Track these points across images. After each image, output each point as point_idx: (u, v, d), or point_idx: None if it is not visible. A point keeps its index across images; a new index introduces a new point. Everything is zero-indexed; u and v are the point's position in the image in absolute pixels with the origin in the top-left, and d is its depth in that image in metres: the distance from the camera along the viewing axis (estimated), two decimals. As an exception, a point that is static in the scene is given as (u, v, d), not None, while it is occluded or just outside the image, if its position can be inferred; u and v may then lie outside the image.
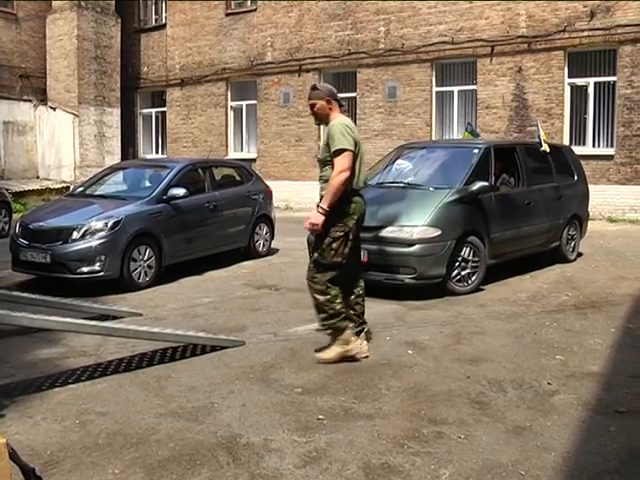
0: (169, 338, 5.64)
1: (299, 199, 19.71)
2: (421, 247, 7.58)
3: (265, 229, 11.32)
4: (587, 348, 5.86)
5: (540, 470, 3.63)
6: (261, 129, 20.75)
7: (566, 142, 15.93)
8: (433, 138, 17.95)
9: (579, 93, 16.47)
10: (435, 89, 18.04)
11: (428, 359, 5.53)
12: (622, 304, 7.51)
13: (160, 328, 5.85)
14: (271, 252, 11.37)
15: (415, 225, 7.63)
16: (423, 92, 18.03)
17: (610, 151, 15.90)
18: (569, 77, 16.40)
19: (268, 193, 11.62)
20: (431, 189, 8.26)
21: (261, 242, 11.21)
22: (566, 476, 3.57)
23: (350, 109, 19.37)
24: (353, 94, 19.18)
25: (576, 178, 10.59)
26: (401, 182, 8.61)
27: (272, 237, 11.54)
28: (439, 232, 7.68)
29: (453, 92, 17.93)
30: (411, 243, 7.57)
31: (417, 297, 7.72)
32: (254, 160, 20.28)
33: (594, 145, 16.20)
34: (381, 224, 7.65)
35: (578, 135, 16.23)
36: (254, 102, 20.93)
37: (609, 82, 16.00)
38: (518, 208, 8.99)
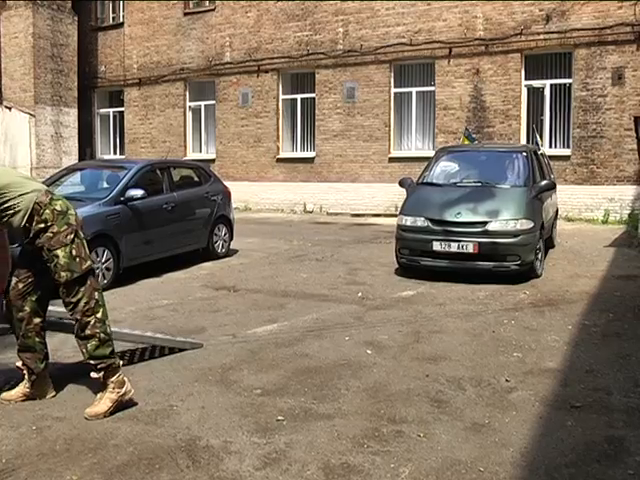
0: (127, 338, 5.56)
1: (258, 200, 19.66)
2: (523, 237, 8.68)
3: (224, 230, 11.26)
4: (544, 345, 5.95)
5: (499, 466, 3.66)
6: (220, 130, 20.63)
7: (523, 143, 16.19)
8: (392, 139, 18.09)
9: (536, 95, 16.73)
10: (393, 90, 18.15)
11: (387, 358, 5.55)
12: (579, 301, 7.65)
13: (118, 327, 5.76)
14: (230, 253, 11.32)
15: (517, 218, 8.78)
16: (382, 93, 18.12)
17: (566, 152, 16.18)
18: (526, 79, 16.65)
19: (227, 194, 11.57)
20: (507, 186, 9.49)
21: (220, 243, 11.14)
22: (524, 471, 3.62)
23: (308, 110, 19.42)
24: (312, 95, 19.20)
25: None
26: (478, 182, 9.65)
27: (231, 238, 11.49)
28: (532, 224, 8.86)
29: (411, 93, 18.06)
30: (516, 234, 8.66)
31: (513, 281, 8.68)
32: (213, 161, 20.15)
33: (551, 146, 16.46)
34: (485, 219, 8.72)
35: (534, 136, 16.48)
36: (213, 102, 20.80)
37: (565, 84, 16.29)
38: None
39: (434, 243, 8.79)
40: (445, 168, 10.33)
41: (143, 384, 4.99)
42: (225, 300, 7.92)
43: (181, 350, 5.76)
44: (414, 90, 18.01)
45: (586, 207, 15.82)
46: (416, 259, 9.07)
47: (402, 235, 9.25)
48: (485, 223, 8.70)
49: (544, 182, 9.82)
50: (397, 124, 18.31)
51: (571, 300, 7.73)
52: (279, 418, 4.33)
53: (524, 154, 10.16)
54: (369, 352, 5.73)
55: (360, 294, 8.15)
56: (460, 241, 8.65)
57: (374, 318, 6.98)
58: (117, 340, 5.53)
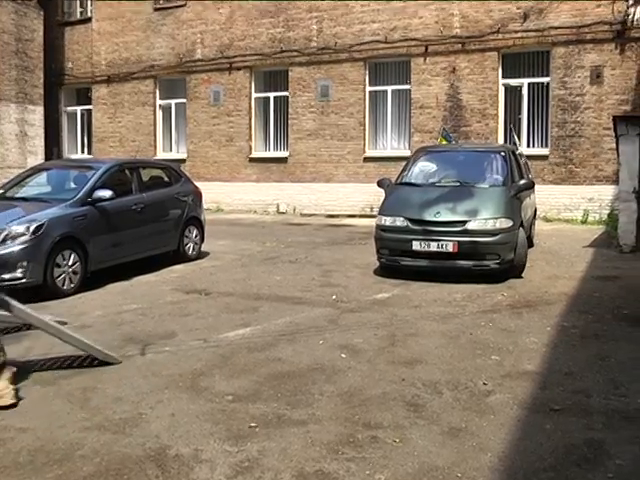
0: (48, 329, 5.48)
1: (230, 200, 19.59)
2: (503, 236, 8.89)
3: (195, 232, 11.19)
4: (522, 347, 5.99)
5: (476, 471, 3.67)
6: (190, 128, 20.52)
7: (500, 142, 16.31)
8: (367, 138, 18.14)
9: (513, 94, 16.87)
10: (368, 88, 18.20)
11: (362, 362, 5.55)
12: (557, 303, 7.73)
13: (37, 314, 5.67)
14: (201, 256, 11.27)
15: (496, 217, 8.99)
16: (356, 91, 18.16)
17: (544, 151, 16.33)
18: (503, 77, 16.78)
19: (198, 194, 11.52)
20: (486, 186, 9.67)
21: (191, 245, 11.07)
22: (502, 476, 3.62)
23: (282, 108, 19.39)
24: (285, 93, 19.18)
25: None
26: (457, 182, 9.84)
27: (202, 240, 11.42)
28: (512, 222, 9.06)
29: (387, 92, 18.11)
30: (495, 233, 8.87)
31: (496, 280, 8.90)
32: (183, 161, 20.03)
33: (529, 145, 16.60)
34: (464, 218, 8.91)
35: (511, 136, 16.60)
36: (183, 100, 20.69)
37: (542, 83, 16.44)
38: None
39: (414, 243, 8.95)
40: (424, 168, 10.50)
41: (111, 391, 4.93)
42: (196, 304, 7.87)
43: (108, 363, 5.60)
44: (389, 88, 18.07)
45: (565, 207, 15.99)
46: (396, 259, 9.21)
47: (381, 235, 9.40)
48: (464, 222, 8.89)
49: (522, 181, 10.01)
50: (372, 123, 18.36)
51: (550, 301, 7.80)
52: (251, 425, 4.30)
53: (502, 154, 10.35)
54: (344, 356, 5.72)
55: (334, 297, 8.16)
56: (440, 240, 8.82)
57: (349, 321, 6.98)
58: (32, 324, 5.45)
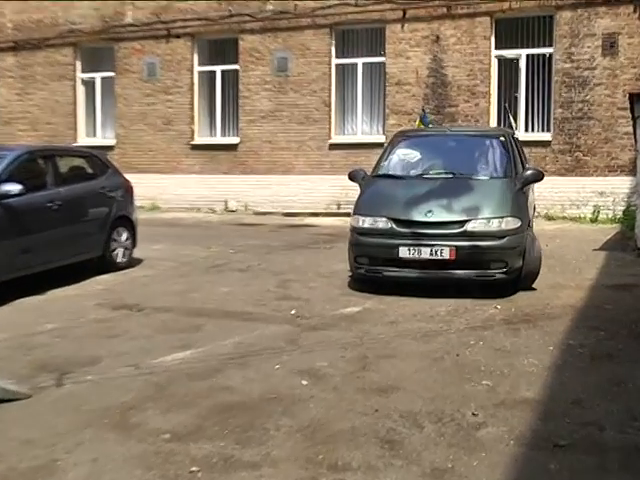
0: None
1: (169, 197, 19.49)
2: (510, 239, 8.79)
3: (125, 235, 11.12)
4: (520, 370, 6.01)
5: (464, 522, 3.67)
6: (120, 109, 20.37)
7: (494, 125, 16.46)
8: (333, 122, 18.17)
9: (509, 68, 17.05)
10: (335, 61, 18.28)
11: (327, 390, 5.54)
12: (562, 317, 7.79)
13: None
14: (132, 263, 11.21)
15: (501, 216, 8.90)
16: (320, 65, 18.22)
17: (546, 136, 16.54)
18: (496, 48, 16.97)
19: (128, 189, 11.45)
20: (486, 178, 9.67)
21: (120, 251, 11.00)
22: (495, 527, 3.63)
23: (230, 85, 19.35)
24: (234, 66, 19.17)
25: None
26: (450, 173, 9.80)
27: (134, 245, 11.36)
28: (520, 222, 8.99)
29: (357, 65, 18.21)
30: (501, 235, 8.77)
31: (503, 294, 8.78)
32: (111, 148, 19.88)
33: (527, 129, 16.81)
34: (462, 218, 8.82)
35: (506, 117, 16.75)
36: (111, 74, 20.53)
37: (544, 55, 16.65)
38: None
39: (401, 249, 8.77)
40: (405, 157, 10.43)
41: (17, 433, 4.84)
42: (126, 322, 7.81)
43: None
44: (360, 61, 18.17)
45: (571, 203, 16.19)
46: (378, 269, 9.02)
47: (359, 240, 9.22)
48: (463, 222, 8.79)
49: (530, 172, 9.95)
50: (339, 103, 18.43)
51: (553, 315, 7.87)
52: (193, 469, 4.25)
53: (502, 139, 10.36)
54: (305, 383, 5.71)
55: (294, 311, 8.14)
56: (433, 245, 8.67)
57: (311, 341, 6.97)
58: None
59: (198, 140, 19.65)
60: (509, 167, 9.90)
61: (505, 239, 8.75)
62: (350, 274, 9.76)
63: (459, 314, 7.98)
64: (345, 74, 18.42)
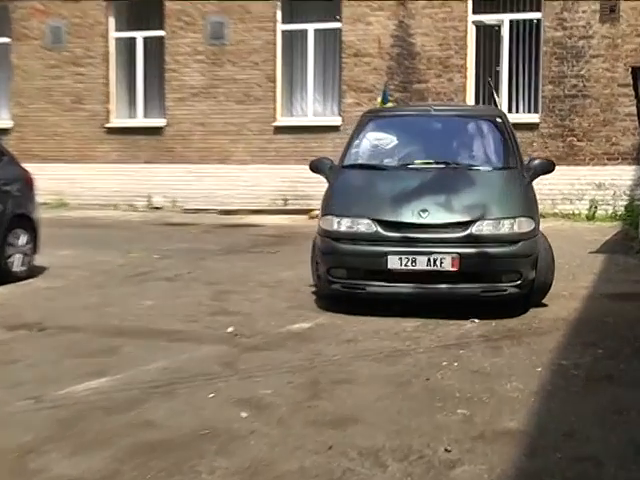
0: None
1: (79, 191, 19.36)
2: (524, 244, 8.61)
3: (24, 238, 11.02)
4: (502, 396, 6.04)
5: None
6: (17, 83, 20.16)
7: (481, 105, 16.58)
8: (279, 100, 18.17)
9: (489, 36, 17.19)
10: (281, 27, 18.32)
11: (271, 424, 5.51)
12: (552, 332, 7.88)
13: None
14: (34, 272, 11.11)
15: (513, 216, 8.72)
16: (263, 32, 18.24)
17: (534, 118, 16.73)
18: (474, 13, 17.16)
19: (28, 182, 11.39)
20: (488, 168, 9.60)
21: (17, 258, 10.87)
22: None
23: (155, 56, 19.24)
24: (159, 33, 19.11)
25: None
26: (442, 162, 9.67)
27: (35, 250, 11.26)
28: (534, 224, 8.86)
29: (307, 32, 18.23)
30: (514, 240, 8.57)
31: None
32: (6, 131, 19.73)
33: (511, 110, 16.95)
34: (466, 218, 8.59)
35: (488, 95, 16.88)
36: (5, 40, 20.30)
37: (531, 21, 16.82)
38: None
39: (390, 258, 8.41)
40: (378, 142, 10.23)
41: None
42: (25, 345, 7.71)
43: None
44: (311, 27, 18.22)
45: (563, 197, 16.38)
46: (359, 284, 8.64)
47: (334, 247, 8.81)
48: (467, 224, 8.53)
49: (538, 161, 9.91)
50: (286, 78, 18.46)
51: (541, 330, 7.95)
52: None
53: (499, 121, 10.27)
54: (244, 415, 5.67)
55: (231, 329, 8.11)
56: (431, 253, 8.34)
57: (252, 364, 6.94)
58: None
59: (115, 122, 19.54)
60: (513, 155, 9.77)
61: (519, 244, 8.54)
62: (313, 289, 9.74)
63: (429, 330, 8.00)
64: (293, 43, 18.45)
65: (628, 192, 15.90)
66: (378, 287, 8.60)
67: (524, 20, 16.90)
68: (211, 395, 6.12)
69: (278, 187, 17.67)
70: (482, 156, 9.89)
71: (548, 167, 9.81)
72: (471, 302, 8.57)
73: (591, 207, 16.10)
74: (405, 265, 8.42)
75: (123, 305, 9.27)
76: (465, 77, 17.07)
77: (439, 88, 17.17)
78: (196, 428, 5.44)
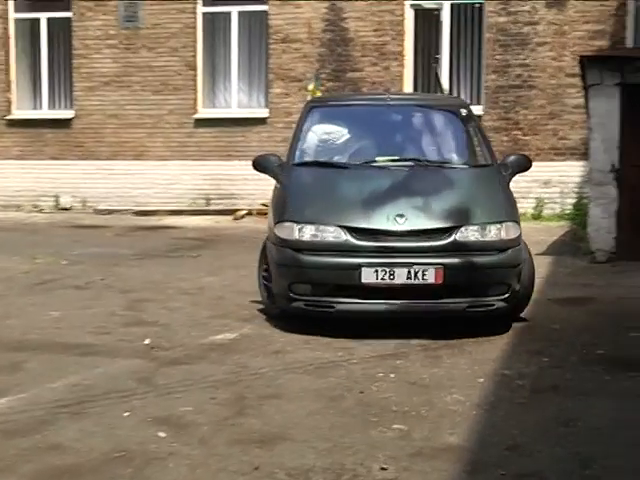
0: None
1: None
2: (513, 252, 8.41)
3: None
4: (441, 410, 6.10)
5: None
6: None
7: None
8: (200, 90, 18.11)
9: (428, 21, 17.34)
10: (202, 9, 18.28)
11: (192, 444, 5.50)
12: (495, 340, 7.99)
13: None
14: None
15: (499, 220, 8.47)
16: (182, 14, 18.18)
17: (476, 110, 16.69)
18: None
19: None
20: (464, 166, 9.44)
21: None
22: None
23: (61, 40, 19.05)
24: (66, 14, 18.93)
25: None
26: (412, 159, 9.43)
27: None
28: (519, 229, 8.64)
29: (230, 15, 18.21)
30: (502, 247, 8.34)
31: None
32: None
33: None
34: (448, 223, 8.32)
35: (427, 84, 17.01)
36: None
37: (473, 5, 17.07)
38: None
39: (364, 271, 8.03)
40: (328, 136, 9.90)
41: None
42: None
43: None
44: (235, 10, 18.20)
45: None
46: (327, 301, 8.21)
47: (295, 259, 8.34)
48: (450, 231, 8.25)
49: (513, 157, 9.78)
50: (208, 66, 18.42)
51: (484, 338, 8.03)
52: None
53: (464, 111, 10.17)
54: (162, 435, 5.65)
55: (148, 341, 8.08)
56: (411, 265, 8.00)
57: (171, 379, 6.92)
58: None
59: (17, 114, 19.30)
60: (486, 151, 9.57)
61: (507, 253, 8.33)
62: (238, 296, 9.76)
63: (364, 339, 8.04)
64: (215, 27, 18.40)
65: (576, 190, 16.08)
66: (350, 304, 8.19)
67: (466, 4, 17.04)
68: (126, 414, 6.08)
69: (200, 185, 17.60)
70: (453, 152, 9.77)
71: (525, 164, 9.63)
72: (454, 319, 8.34)
73: (537, 206, 16.28)
74: (382, 279, 8.06)
75: (26, 316, 9.16)
76: (402, 65, 17.15)
77: (374, 77, 17.22)
78: (109, 451, 5.39)
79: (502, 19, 16.54)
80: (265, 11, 17.81)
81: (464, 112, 10.12)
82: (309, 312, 8.34)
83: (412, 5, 17.14)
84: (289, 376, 6.95)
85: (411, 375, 6.94)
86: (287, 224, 8.53)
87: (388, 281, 8.02)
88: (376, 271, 8.02)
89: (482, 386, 6.65)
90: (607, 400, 6.35)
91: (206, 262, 12.23)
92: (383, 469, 5.05)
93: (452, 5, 17.03)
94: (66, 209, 18.64)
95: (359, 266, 8.04)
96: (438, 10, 17.11)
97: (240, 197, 17.31)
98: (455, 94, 17.05)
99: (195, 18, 18.16)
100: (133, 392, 6.58)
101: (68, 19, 18.85)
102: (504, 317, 8.51)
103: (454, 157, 9.67)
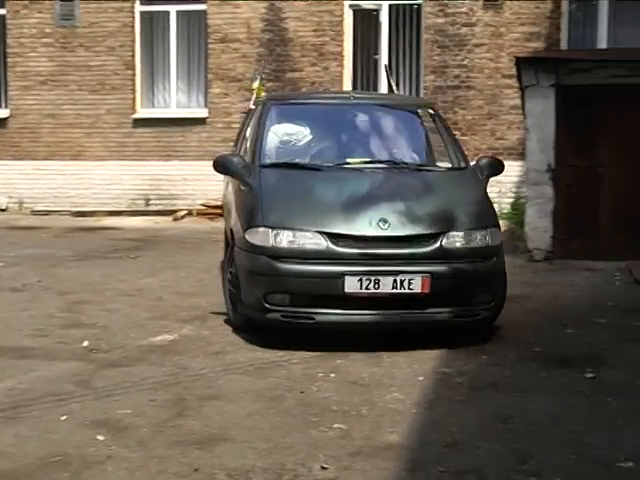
0: None
1: None
2: (498, 260, 8.25)
3: None
4: (381, 409, 6.13)
5: None
6: None
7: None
8: (138, 90, 18.02)
9: (367, 21, 17.35)
10: (140, 8, 18.17)
11: (131, 447, 5.46)
12: (434, 338, 7.95)
13: None
14: None
15: (484, 226, 8.21)
16: (120, 12, 18.04)
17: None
18: (353, -2, 17.24)
19: None
20: (441, 169, 9.19)
21: None
22: None
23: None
24: (0, 11, 18.66)
25: None
26: (387, 161, 9.15)
27: None
28: (501, 235, 8.54)
29: (169, 14, 18.13)
30: (488, 254, 8.13)
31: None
32: None
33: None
34: (433, 229, 7.97)
35: (367, 84, 17.04)
36: None
37: (411, 6, 17.04)
38: None
39: (347, 280, 7.61)
40: (291, 136, 9.47)
41: None
42: None
43: None
44: (173, 9, 18.12)
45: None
46: (306, 312, 7.74)
47: (272, 267, 7.84)
48: (436, 237, 7.92)
49: (486, 160, 9.32)
50: (146, 65, 18.32)
51: (422, 337, 7.97)
52: None
53: (432, 111, 9.98)
54: (101, 438, 5.60)
55: (86, 343, 8.01)
56: (397, 273, 7.64)
57: (110, 382, 6.87)
58: None
59: (-51, 113, 19.07)
60: (460, 153, 9.31)
61: (493, 260, 8.15)
62: (178, 297, 9.74)
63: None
64: (154, 26, 18.30)
65: (514, 189, 16.21)
66: (331, 315, 7.75)
67: (404, 5, 17.09)
68: (63, 417, 6.02)
69: (139, 186, 17.48)
70: (427, 154, 9.56)
71: (498, 168, 9.23)
72: (439, 330, 7.99)
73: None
74: (366, 288, 7.63)
75: (-39, 319, 9.08)
76: (342, 66, 17.16)
77: (314, 77, 17.22)
78: (45, 455, 5.33)
79: (440, 20, 16.62)
80: (204, 10, 17.74)
81: (432, 112, 9.91)
82: (286, 324, 7.83)
83: (351, 5, 17.15)
84: (229, 377, 6.95)
85: (351, 374, 6.96)
86: (261, 229, 8.01)
87: (373, 290, 7.63)
88: (360, 280, 7.61)
89: (422, 384, 6.69)
90: (544, 396, 6.44)
91: (145, 263, 12.16)
92: (324, 468, 5.06)
93: (390, 6, 17.06)
94: (2, 210, 18.43)
95: (342, 274, 7.62)
96: (377, 11, 17.13)
97: (180, 197, 17.23)
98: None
99: (133, 17, 18.04)
100: (71, 395, 6.53)
101: (2, 17, 18.63)
102: (487, 326, 8.28)
103: (429, 159, 9.48)
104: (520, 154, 15.87)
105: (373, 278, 7.60)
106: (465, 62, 16.59)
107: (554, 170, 12.05)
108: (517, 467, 5.07)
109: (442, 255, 7.86)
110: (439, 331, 7.99)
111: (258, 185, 8.50)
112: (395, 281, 7.59)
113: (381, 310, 7.72)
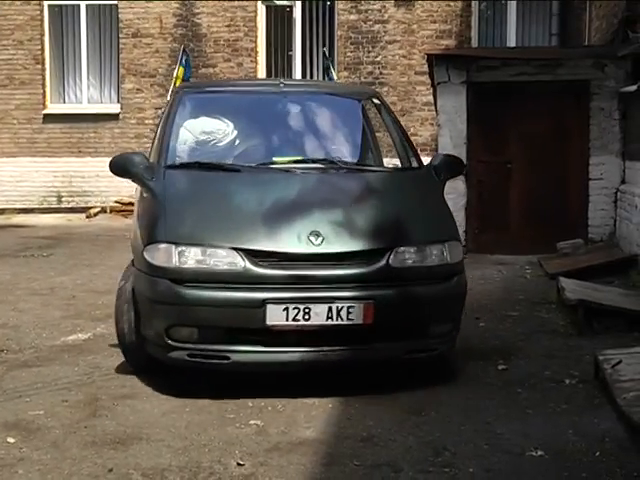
0: None
1: None
2: (459, 280, 6.89)
3: None
4: (298, 404, 6.15)
5: None
6: None
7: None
8: (48, 85, 17.84)
9: (280, 18, 17.38)
10: (48, 2, 17.97)
11: (44, 448, 5.39)
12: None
13: None
14: None
15: (441, 240, 6.84)
16: (28, 6, 17.87)
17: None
18: (262, -8, 17.29)
19: None
20: (387, 170, 7.97)
21: None
22: None
23: None
24: None
25: None
26: (321, 160, 7.64)
27: None
28: (461, 248, 7.20)
29: (79, 7, 18.00)
30: (448, 274, 6.77)
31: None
32: None
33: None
34: (378, 244, 6.57)
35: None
36: None
37: (324, 2, 17.08)
38: None
39: (270, 309, 6.19)
40: (207, 130, 7.95)
41: None
42: None
43: None
44: (83, 3, 17.95)
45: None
46: (220, 350, 6.33)
47: (175, 294, 6.36)
48: (382, 253, 6.53)
49: (442, 158, 7.98)
50: (56, 59, 18.18)
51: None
52: None
53: (377, 101, 8.57)
54: (12, 441, 5.53)
55: (-4, 343, 7.96)
56: (333, 300, 6.26)
57: (21, 382, 6.79)
58: None
59: None
60: (411, 150, 7.99)
61: (453, 281, 6.79)
62: (92, 295, 9.70)
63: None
64: (64, 20, 18.16)
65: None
66: (250, 354, 6.37)
67: (317, 2, 17.17)
68: (-30, 420, 5.96)
69: (50, 183, 17.31)
70: (371, 151, 8.42)
71: (458, 167, 8.05)
72: (385, 367, 6.78)
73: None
74: (294, 319, 6.20)
75: None
76: (256, 61, 17.21)
77: (228, 73, 17.23)
78: (-55, 460, 5.27)
79: (353, 17, 16.73)
80: (115, 5, 17.63)
81: (377, 102, 8.49)
82: (194, 364, 6.44)
83: (264, 2, 17.18)
84: (144, 375, 6.86)
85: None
86: (162, 246, 6.48)
87: (302, 322, 6.20)
88: (286, 309, 6.18)
89: (337, 379, 6.67)
90: (457, 389, 6.55)
91: (58, 261, 12.04)
92: (240, 465, 5.07)
93: (304, 3, 17.13)
94: None
95: (263, 302, 6.16)
96: (290, 7, 17.19)
97: (93, 194, 17.11)
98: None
99: (41, 10, 17.85)
100: (-20, 397, 6.46)
101: None
102: (448, 361, 7.12)
103: (373, 158, 8.32)
104: (433, 150, 16.03)
105: (302, 307, 6.18)
106: (378, 59, 16.72)
107: (466, 165, 12.21)
108: (431, 459, 5.13)
109: (389, 276, 6.47)
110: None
111: (162, 190, 6.97)
112: (330, 310, 6.20)
113: (313, 347, 6.33)
